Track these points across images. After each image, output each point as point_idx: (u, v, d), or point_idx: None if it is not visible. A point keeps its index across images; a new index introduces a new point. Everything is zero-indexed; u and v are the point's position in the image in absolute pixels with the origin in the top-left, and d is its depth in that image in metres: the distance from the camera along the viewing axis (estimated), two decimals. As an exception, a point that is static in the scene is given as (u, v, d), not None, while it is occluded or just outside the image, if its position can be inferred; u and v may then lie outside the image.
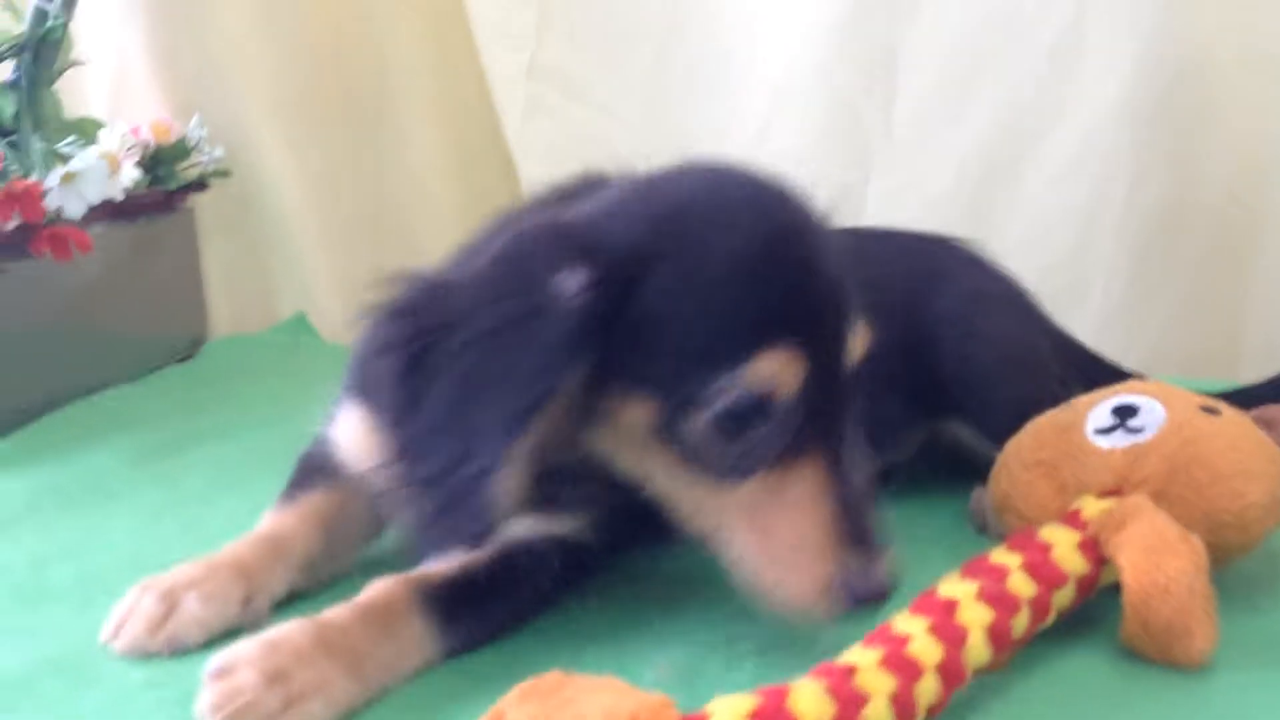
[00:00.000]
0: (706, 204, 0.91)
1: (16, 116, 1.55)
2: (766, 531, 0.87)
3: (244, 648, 0.89)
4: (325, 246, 2.17)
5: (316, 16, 2.16)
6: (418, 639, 0.95)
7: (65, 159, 1.55)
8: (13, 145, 1.54)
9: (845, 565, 0.85)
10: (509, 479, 0.87)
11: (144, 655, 0.98)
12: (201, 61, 2.01)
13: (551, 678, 0.83)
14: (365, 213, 2.23)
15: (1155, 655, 0.91)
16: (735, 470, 0.88)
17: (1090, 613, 0.97)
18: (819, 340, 0.87)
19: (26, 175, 1.53)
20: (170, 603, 1.00)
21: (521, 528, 0.99)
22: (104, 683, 0.95)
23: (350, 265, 2.20)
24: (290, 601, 1.05)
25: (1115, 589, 0.96)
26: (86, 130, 1.69)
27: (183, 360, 1.92)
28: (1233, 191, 1.82)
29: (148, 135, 1.82)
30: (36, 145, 1.55)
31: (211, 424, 1.60)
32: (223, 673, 0.88)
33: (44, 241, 1.57)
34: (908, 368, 1.23)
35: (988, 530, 1.17)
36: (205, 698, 0.86)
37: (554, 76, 2.10)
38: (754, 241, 0.88)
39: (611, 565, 1.07)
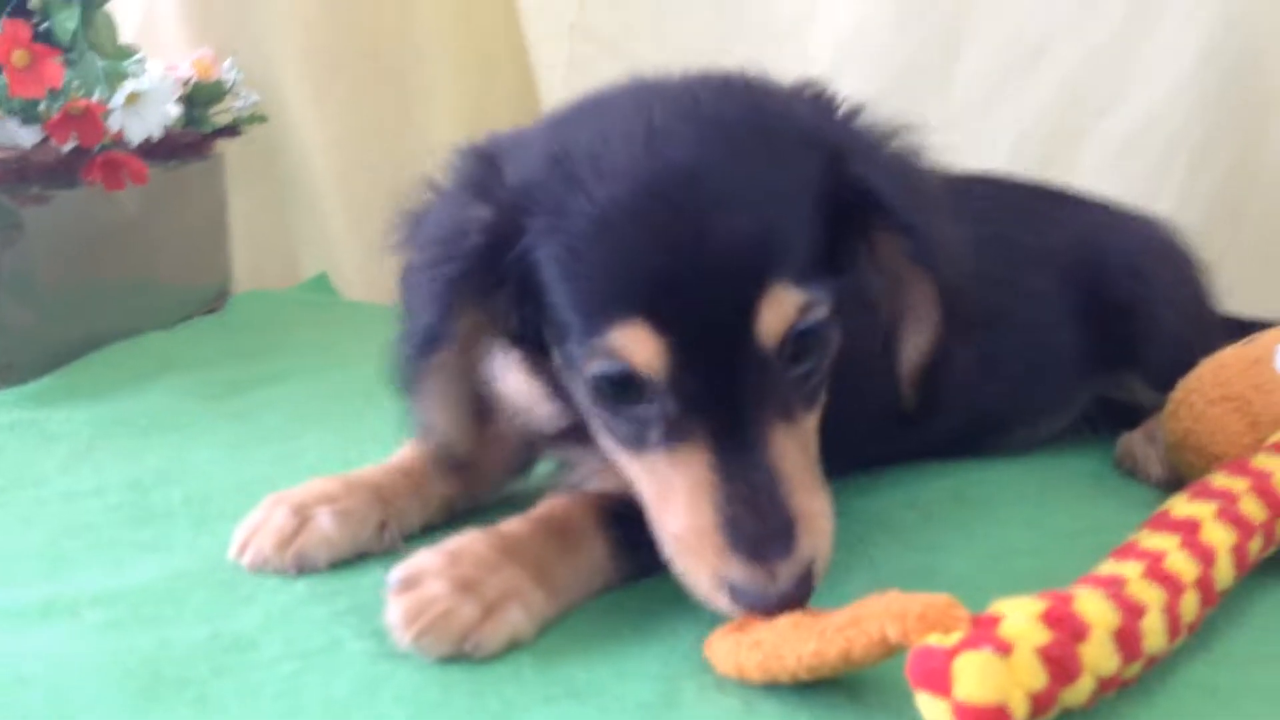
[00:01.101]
0: (597, 141, 0.80)
1: (75, 34, 1.46)
2: (667, 510, 0.79)
3: (424, 558, 0.84)
4: (347, 205, 2.09)
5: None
6: (598, 557, 0.89)
7: (124, 79, 1.46)
8: (70, 64, 1.45)
9: (733, 572, 0.75)
10: (433, 411, 0.88)
11: (270, 571, 0.93)
12: (235, 4, 1.93)
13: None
14: (387, 174, 2.16)
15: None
16: (630, 440, 0.81)
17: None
18: (691, 320, 0.75)
19: (88, 95, 1.44)
20: (302, 518, 0.95)
21: None
22: (260, 597, 0.89)
23: (370, 226, 2.12)
24: (424, 535, 0.98)
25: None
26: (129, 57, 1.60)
27: (209, 311, 1.83)
28: (1288, 176, 1.83)
29: (189, 72, 1.74)
30: (98, 63, 1.46)
31: (269, 368, 1.54)
32: (408, 584, 0.83)
33: (98, 168, 1.49)
34: (1080, 326, 1.21)
35: (1138, 473, 1.15)
36: (395, 610, 0.81)
37: (597, 36, 2.05)
38: (625, 197, 0.76)
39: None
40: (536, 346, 0.86)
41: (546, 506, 0.91)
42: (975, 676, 0.64)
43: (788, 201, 0.79)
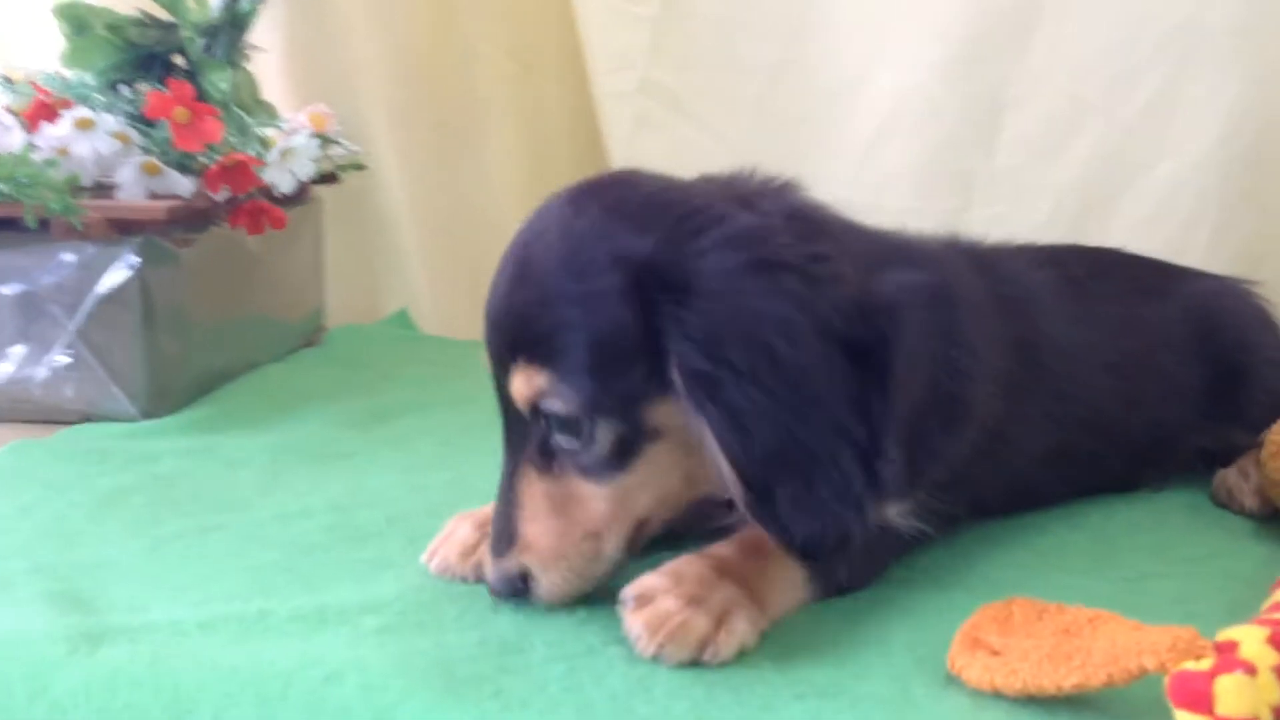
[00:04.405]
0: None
1: (227, 92, 1.58)
2: None
3: (651, 579, 0.95)
4: (423, 247, 2.23)
5: (419, 23, 2.22)
6: (796, 578, 1.01)
7: (277, 137, 1.60)
8: (221, 119, 1.58)
9: (487, 561, 0.99)
10: None
11: (451, 578, 1.07)
12: (329, 59, 2.06)
13: (1024, 604, 0.93)
14: (456, 219, 2.29)
15: None
16: None
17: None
18: (491, 359, 0.99)
19: (241, 150, 1.57)
20: (483, 533, 1.07)
21: None
22: (504, 608, 1.00)
23: (443, 267, 2.27)
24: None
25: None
26: (270, 113, 1.73)
27: (308, 345, 1.95)
28: (1304, 246, 2.01)
29: (305, 123, 1.86)
30: (247, 120, 1.59)
31: (400, 399, 1.67)
32: (642, 601, 0.93)
33: (245, 215, 1.61)
34: (1196, 391, 1.38)
35: (1231, 505, 1.31)
36: (636, 623, 0.92)
37: (664, 94, 2.19)
38: (508, 247, 1.02)
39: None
40: None
41: (749, 530, 1.01)
42: (1233, 695, 0.77)
43: (575, 309, 0.94)
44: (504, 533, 0.98)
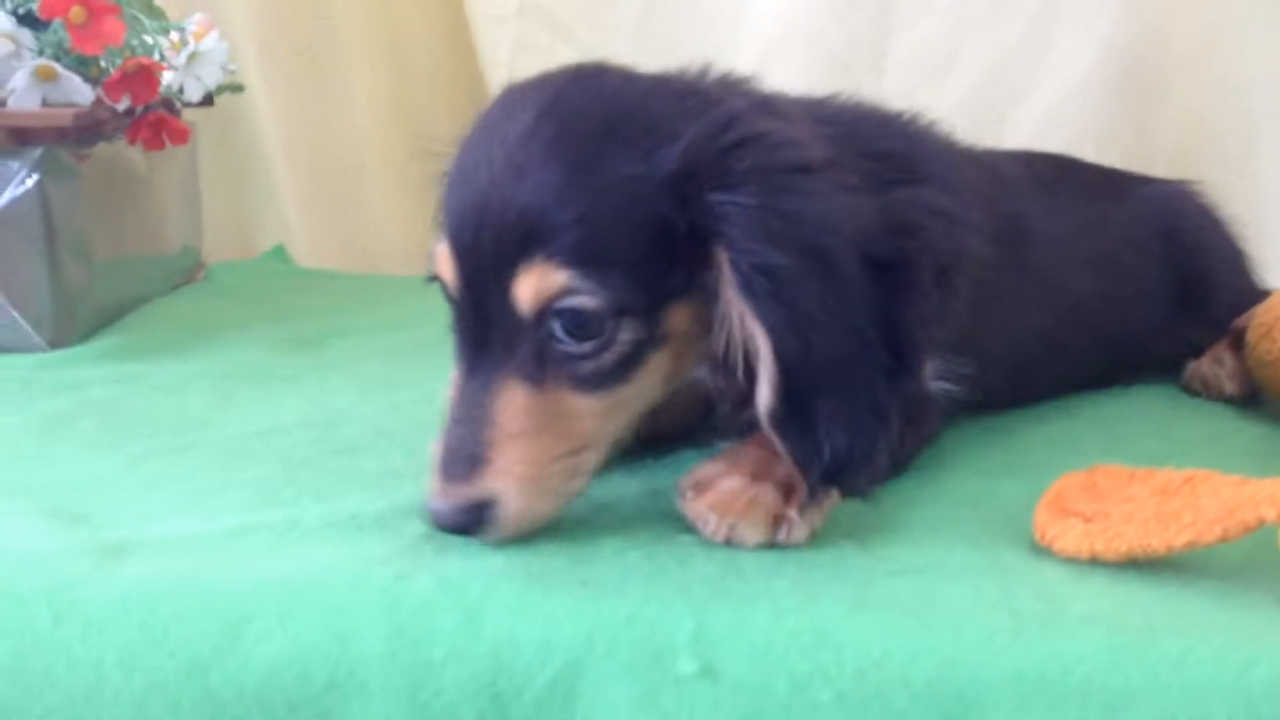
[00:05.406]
0: (488, 114, 0.93)
1: (125, -7, 1.45)
2: None
3: (706, 466, 0.91)
4: (293, 179, 2.12)
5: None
6: None
7: (184, 40, 1.48)
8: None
9: (432, 487, 0.86)
10: None
11: None
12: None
13: (1109, 470, 0.92)
14: (324, 150, 2.19)
15: None
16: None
17: None
18: (474, 260, 0.86)
19: (146, 54, 1.44)
20: None
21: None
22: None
23: (312, 199, 2.16)
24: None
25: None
26: (162, 18, 1.60)
27: (188, 282, 1.82)
28: (1176, 161, 2.08)
29: (188, 34, 1.72)
30: (145, 22, 1.46)
31: (316, 327, 1.58)
32: (701, 487, 0.89)
33: (145, 127, 1.49)
34: (1163, 292, 1.38)
35: (1208, 392, 1.33)
36: (701, 507, 0.88)
37: (544, 16, 2.13)
38: (469, 155, 0.90)
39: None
40: None
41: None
42: None
43: (599, 200, 0.85)
44: (468, 455, 0.85)
